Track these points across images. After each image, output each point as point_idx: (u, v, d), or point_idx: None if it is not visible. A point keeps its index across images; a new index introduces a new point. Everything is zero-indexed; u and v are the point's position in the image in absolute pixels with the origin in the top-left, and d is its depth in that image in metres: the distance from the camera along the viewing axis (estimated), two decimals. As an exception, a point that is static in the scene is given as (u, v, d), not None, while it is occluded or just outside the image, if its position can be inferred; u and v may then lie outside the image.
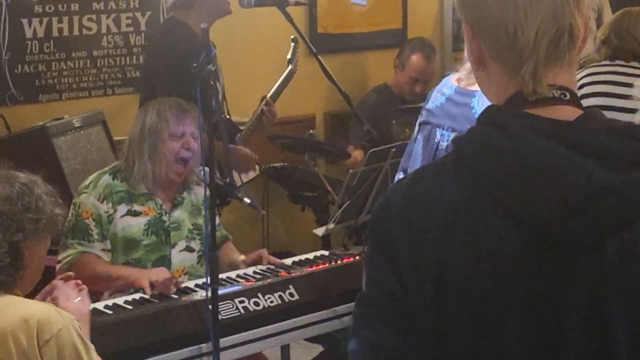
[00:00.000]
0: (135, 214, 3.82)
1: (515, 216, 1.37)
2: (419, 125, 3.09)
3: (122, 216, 3.80)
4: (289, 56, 5.04)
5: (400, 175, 3.17)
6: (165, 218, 3.87)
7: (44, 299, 2.83)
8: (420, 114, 3.13)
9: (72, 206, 3.79)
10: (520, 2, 1.40)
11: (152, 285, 3.58)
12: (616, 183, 1.34)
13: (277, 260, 3.99)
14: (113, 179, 3.83)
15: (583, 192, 1.33)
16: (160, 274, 3.64)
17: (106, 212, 3.78)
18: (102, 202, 3.78)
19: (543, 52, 1.40)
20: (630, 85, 3.59)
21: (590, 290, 1.36)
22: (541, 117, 1.39)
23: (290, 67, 5.03)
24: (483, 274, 1.39)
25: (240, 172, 4.02)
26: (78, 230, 3.76)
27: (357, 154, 5.64)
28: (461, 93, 2.93)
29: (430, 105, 3.02)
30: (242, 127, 4.82)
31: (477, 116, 2.31)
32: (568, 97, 1.42)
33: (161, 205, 3.87)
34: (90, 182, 3.83)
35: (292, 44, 5.04)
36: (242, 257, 4.03)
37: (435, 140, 2.92)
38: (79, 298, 2.89)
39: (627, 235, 1.35)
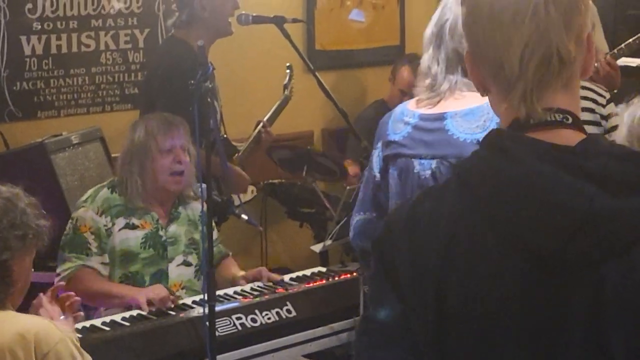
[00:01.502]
0: (133, 227, 3.83)
1: (515, 239, 1.38)
2: (384, 159, 2.82)
3: (120, 229, 3.81)
4: (285, 82, 5.08)
5: (359, 217, 2.86)
6: (161, 232, 3.87)
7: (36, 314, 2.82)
8: (377, 149, 2.85)
9: (70, 220, 3.80)
10: (505, 29, 1.41)
11: (149, 303, 3.59)
12: (617, 208, 1.34)
13: (277, 277, 4.00)
14: (111, 193, 3.85)
15: (584, 216, 1.33)
16: (157, 291, 3.64)
17: (105, 225, 3.79)
18: (100, 215, 3.79)
19: (531, 76, 1.41)
20: None
21: (589, 310, 1.36)
22: (542, 142, 1.39)
23: (285, 93, 5.07)
24: (483, 294, 1.40)
25: (232, 192, 4.03)
26: (76, 244, 3.77)
27: (354, 171, 5.63)
28: (429, 119, 2.65)
29: (394, 137, 2.76)
30: (239, 148, 4.85)
31: (456, 137, 2.29)
32: (570, 120, 1.42)
33: (157, 220, 3.88)
34: (88, 197, 3.85)
35: (288, 71, 5.07)
36: (242, 273, 4.03)
37: (415, 171, 2.71)
38: (62, 317, 2.87)
39: (626, 258, 1.35)
